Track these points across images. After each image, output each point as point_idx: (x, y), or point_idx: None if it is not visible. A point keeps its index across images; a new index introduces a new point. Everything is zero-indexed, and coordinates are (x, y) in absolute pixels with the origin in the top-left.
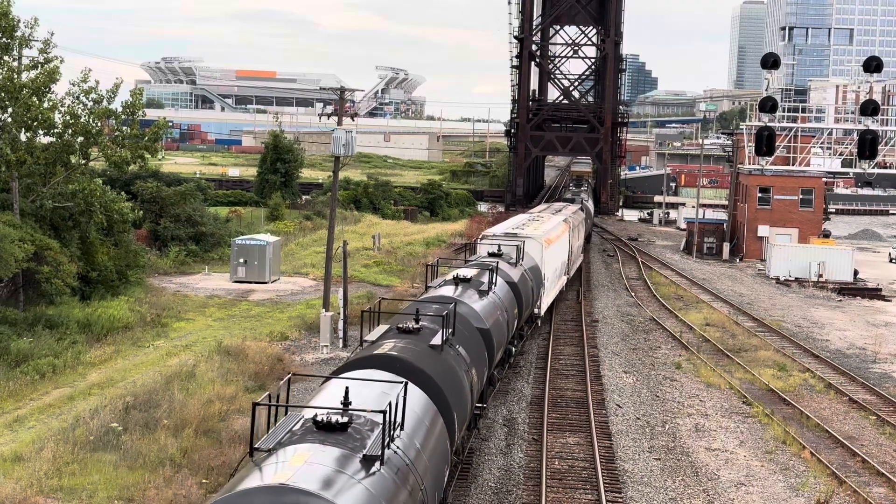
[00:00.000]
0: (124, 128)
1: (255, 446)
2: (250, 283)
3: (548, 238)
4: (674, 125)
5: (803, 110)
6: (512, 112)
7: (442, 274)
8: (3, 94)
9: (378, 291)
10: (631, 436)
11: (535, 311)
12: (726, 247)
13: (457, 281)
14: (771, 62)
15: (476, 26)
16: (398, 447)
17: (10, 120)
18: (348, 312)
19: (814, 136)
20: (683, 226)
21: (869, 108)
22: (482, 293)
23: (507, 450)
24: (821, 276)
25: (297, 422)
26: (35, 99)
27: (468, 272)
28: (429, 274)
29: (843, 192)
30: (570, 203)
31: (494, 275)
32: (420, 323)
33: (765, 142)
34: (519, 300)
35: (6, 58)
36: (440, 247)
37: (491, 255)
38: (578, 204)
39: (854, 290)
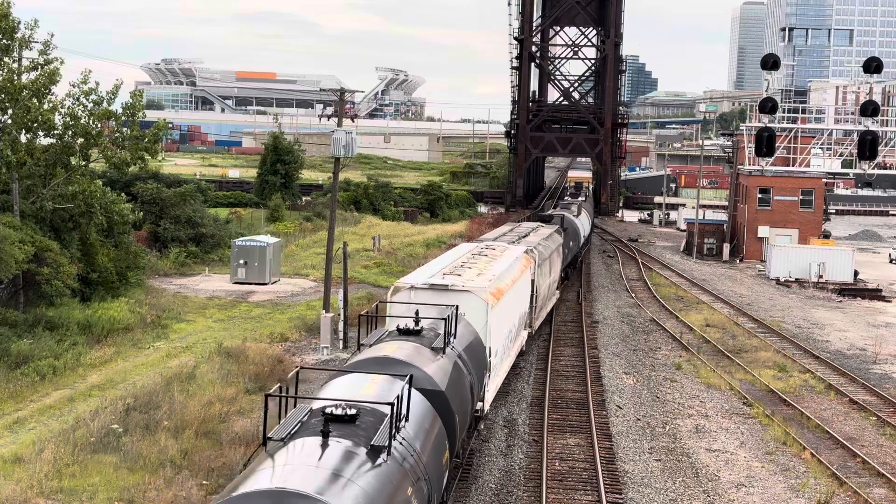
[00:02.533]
0: (124, 129)
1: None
2: (250, 284)
3: (497, 289)
4: (674, 126)
5: (803, 111)
6: (512, 113)
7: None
8: (3, 96)
9: (378, 292)
10: (631, 437)
11: (479, 406)
12: (726, 248)
13: (325, 428)
14: (771, 63)
15: (476, 27)
16: None
17: (10, 121)
18: (349, 314)
19: (814, 137)
20: (683, 227)
21: (869, 109)
22: (376, 453)
23: (507, 451)
24: (821, 276)
25: None
26: (35, 100)
27: (355, 402)
28: (269, 407)
29: (843, 193)
30: (544, 223)
31: (404, 402)
32: None
33: (765, 143)
34: (449, 426)
35: (6, 59)
36: (440, 248)
37: (404, 332)
38: (556, 224)
39: (854, 290)
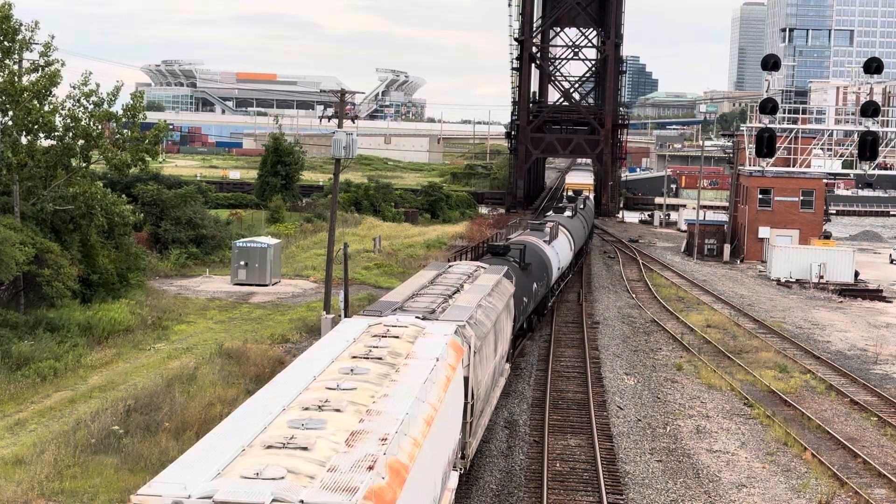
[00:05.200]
0: (125, 130)
1: None
2: (251, 285)
3: (394, 474)
4: (674, 127)
5: (804, 112)
6: (512, 114)
7: None
8: (4, 98)
9: (379, 293)
10: (632, 437)
11: None
12: (727, 248)
13: None
14: (771, 63)
15: (477, 28)
16: None
17: (10, 123)
18: (349, 315)
19: (814, 138)
20: (684, 227)
21: (869, 110)
22: None
23: (508, 452)
24: (821, 277)
25: None
26: (36, 102)
27: None
28: None
29: (843, 194)
30: (493, 258)
31: None
32: None
33: (765, 143)
34: None
35: (7, 61)
36: (441, 249)
37: None
38: (509, 261)
39: (855, 291)
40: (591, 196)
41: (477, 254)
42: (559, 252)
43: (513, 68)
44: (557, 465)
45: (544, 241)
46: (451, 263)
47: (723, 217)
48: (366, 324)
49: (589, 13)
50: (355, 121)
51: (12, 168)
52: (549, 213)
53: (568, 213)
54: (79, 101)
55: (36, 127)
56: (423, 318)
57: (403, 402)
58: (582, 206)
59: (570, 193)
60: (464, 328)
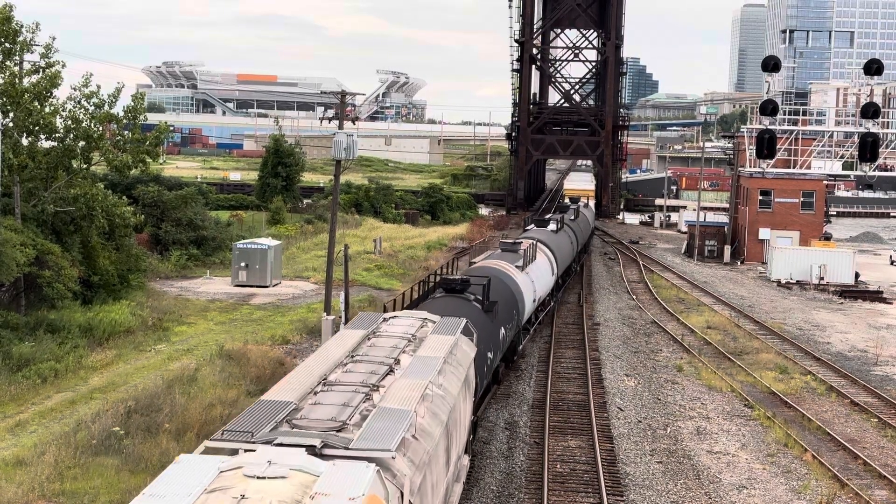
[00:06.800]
0: (126, 132)
1: None
2: (251, 286)
3: None
4: (675, 128)
5: (804, 113)
6: (513, 115)
7: None
8: (4, 99)
9: (379, 295)
10: (633, 439)
11: None
12: (727, 250)
13: None
14: (771, 65)
15: (477, 29)
16: None
17: (11, 124)
18: (350, 316)
19: (814, 139)
20: (684, 229)
21: (870, 111)
22: None
23: (508, 453)
24: (822, 278)
25: None
26: (37, 103)
27: None
28: None
29: (844, 195)
30: (441, 313)
31: None
32: None
33: (766, 145)
34: None
35: (8, 63)
36: (441, 250)
37: None
38: (468, 300)
39: (855, 292)
40: (591, 202)
41: (427, 288)
42: (535, 280)
43: (513, 70)
44: (558, 466)
45: (517, 266)
46: (385, 316)
47: (723, 218)
48: (214, 471)
49: (589, 14)
50: (356, 122)
51: (13, 169)
52: (529, 228)
53: (552, 226)
54: (79, 102)
55: (37, 128)
56: (323, 447)
57: None
58: (573, 217)
59: (567, 201)
60: (393, 461)
